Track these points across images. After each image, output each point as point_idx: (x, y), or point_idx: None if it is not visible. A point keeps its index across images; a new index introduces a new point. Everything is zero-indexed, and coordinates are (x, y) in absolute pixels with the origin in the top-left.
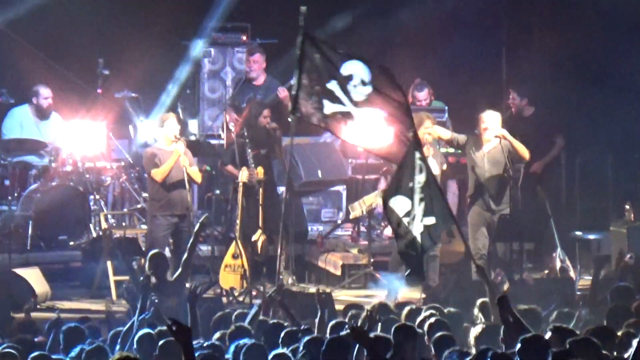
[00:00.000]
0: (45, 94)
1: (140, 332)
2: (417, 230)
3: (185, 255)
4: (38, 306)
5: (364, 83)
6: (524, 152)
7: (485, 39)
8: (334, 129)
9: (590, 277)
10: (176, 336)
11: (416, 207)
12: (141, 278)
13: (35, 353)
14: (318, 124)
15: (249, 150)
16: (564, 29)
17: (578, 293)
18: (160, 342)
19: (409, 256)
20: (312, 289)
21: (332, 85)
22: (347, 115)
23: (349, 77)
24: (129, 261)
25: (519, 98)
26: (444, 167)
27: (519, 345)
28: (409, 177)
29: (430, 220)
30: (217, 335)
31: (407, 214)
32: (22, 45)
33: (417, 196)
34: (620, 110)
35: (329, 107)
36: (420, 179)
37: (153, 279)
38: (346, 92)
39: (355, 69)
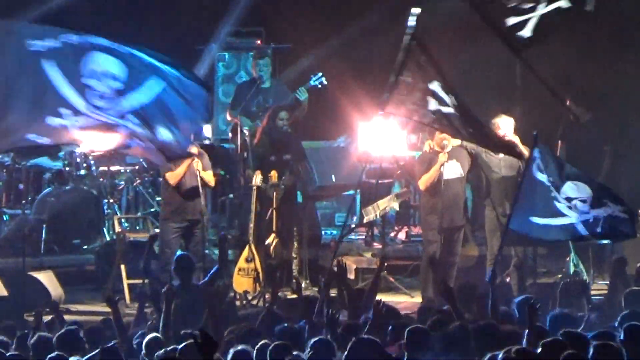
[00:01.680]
0: None
1: (149, 336)
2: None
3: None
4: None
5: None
6: None
7: (500, 46)
8: (436, 124)
9: (604, 282)
10: (200, 349)
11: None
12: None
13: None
14: (420, 120)
15: (273, 158)
16: (576, 39)
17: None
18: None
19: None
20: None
21: (434, 86)
22: (448, 115)
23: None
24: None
25: (574, 105)
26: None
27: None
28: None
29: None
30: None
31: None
32: None
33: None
34: (635, 120)
35: (433, 104)
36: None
37: (177, 282)
38: (446, 93)
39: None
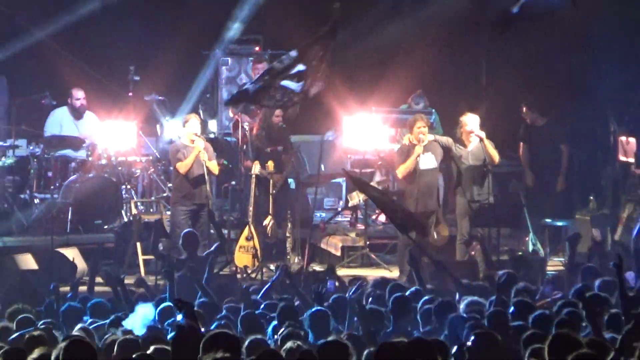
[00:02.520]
0: (77, 95)
1: (162, 305)
2: None
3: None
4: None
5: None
6: (494, 156)
7: (467, 52)
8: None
9: (559, 259)
10: (179, 309)
11: None
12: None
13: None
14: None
15: (269, 150)
16: (534, 45)
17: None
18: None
19: None
20: (317, 268)
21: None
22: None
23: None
24: (156, 248)
25: (530, 111)
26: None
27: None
28: None
29: None
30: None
31: None
32: (64, 55)
33: None
34: (583, 116)
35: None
36: None
37: (184, 255)
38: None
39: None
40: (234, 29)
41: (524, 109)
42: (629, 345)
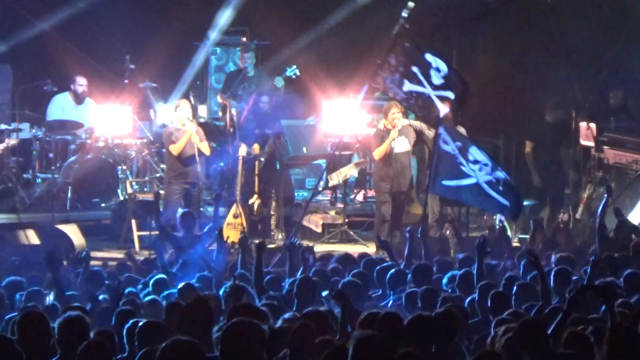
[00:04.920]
0: (81, 82)
1: (157, 276)
2: None
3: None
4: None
5: (439, 71)
6: None
7: (440, 44)
8: (404, 102)
9: (523, 236)
10: None
11: None
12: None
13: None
14: (393, 97)
15: (257, 131)
16: (499, 43)
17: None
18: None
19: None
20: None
21: (415, 69)
22: (422, 94)
23: (429, 64)
24: (158, 222)
25: (554, 109)
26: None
27: None
28: None
29: None
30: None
31: None
32: (64, 45)
33: None
34: (536, 113)
35: (407, 86)
36: None
37: (182, 232)
38: (426, 76)
39: (434, 59)
40: (223, 20)
41: (550, 106)
42: (575, 308)
